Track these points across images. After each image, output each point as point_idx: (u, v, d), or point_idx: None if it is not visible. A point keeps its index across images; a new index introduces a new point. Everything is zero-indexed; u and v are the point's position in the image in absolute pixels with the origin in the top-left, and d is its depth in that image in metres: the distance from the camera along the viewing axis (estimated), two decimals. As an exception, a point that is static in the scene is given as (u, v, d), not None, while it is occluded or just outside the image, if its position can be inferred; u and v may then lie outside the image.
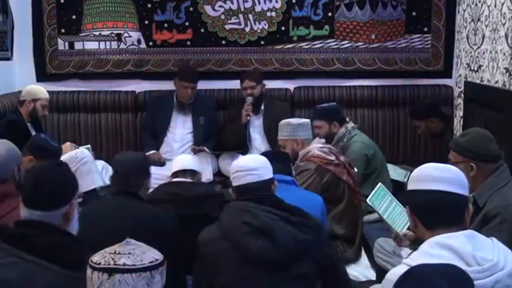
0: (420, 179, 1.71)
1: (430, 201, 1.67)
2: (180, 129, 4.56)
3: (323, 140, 3.40)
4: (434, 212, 1.67)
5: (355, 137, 3.78)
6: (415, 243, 2.28)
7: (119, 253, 1.41)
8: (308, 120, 3.44)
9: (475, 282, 1.48)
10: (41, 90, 4.10)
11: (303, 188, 3.08)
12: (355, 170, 3.34)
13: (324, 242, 2.11)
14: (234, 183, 2.18)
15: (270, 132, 4.41)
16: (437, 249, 1.59)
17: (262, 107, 4.55)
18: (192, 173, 3.02)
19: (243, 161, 2.20)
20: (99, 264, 1.40)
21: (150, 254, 1.44)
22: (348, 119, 3.87)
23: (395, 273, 1.61)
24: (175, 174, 3.01)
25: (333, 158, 3.19)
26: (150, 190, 3.15)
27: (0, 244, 1.69)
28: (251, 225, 1.97)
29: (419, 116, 4.19)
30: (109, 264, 1.39)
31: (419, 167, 1.76)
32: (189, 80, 4.46)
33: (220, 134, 4.67)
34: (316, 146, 3.24)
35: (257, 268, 1.96)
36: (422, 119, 4.15)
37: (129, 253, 1.41)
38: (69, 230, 1.83)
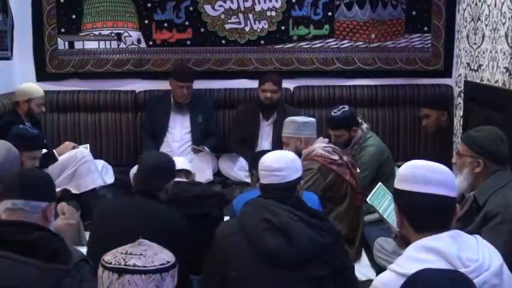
0: (411, 179, 1.67)
1: (422, 205, 1.65)
2: (179, 129, 4.55)
3: (327, 140, 3.38)
4: (425, 216, 1.65)
5: (370, 139, 3.72)
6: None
7: (130, 253, 1.41)
8: (314, 120, 3.40)
9: None
10: (34, 88, 4.04)
11: (305, 187, 3.07)
12: (358, 170, 3.33)
13: (340, 248, 2.11)
14: (260, 180, 2.19)
15: (279, 141, 4.37)
16: (423, 253, 1.58)
17: (275, 115, 4.49)
18: (186, 172, 3.03)
19: (269, 160, 2.17)
20: (110, 263, 1.39)
21: (162, 256, 1.43)
22: (360, 120, 3.81)
23: (381, 280, 1.61)
24: None
25: (336, 157, 3.18)
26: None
27: None
28: (270, 222, 1.98)
29: (435, 105, 4.11)
30: (119, 264, 1.38)
31: (409, 165, 1.72)
32: (184, 80, 4.44)
33: (227, 139, 4.66)
34: (320, 146, 3.23)
35: (270, 266, 1.97)
36: (436, 109, 4.08)
37: (141, 254, 1.41)
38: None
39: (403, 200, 1.70)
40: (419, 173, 1.67)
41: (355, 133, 3.71)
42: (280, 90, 4.49)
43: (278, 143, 4.35)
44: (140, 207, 2.46)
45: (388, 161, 3.79)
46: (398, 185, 1.72)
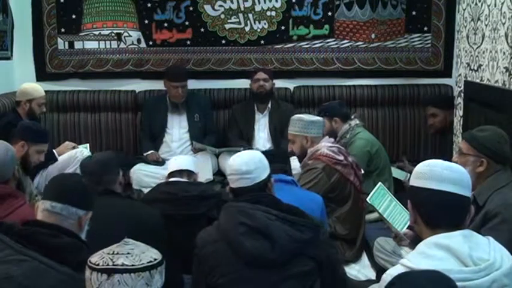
0: (428, 176, 1.68)
1: (437, 202, 1.66)
2: (177, 129, 4.56)
3: (332, 139, 3.38)
4: (438, 213, 1.66)
5: (359, 134, 3.78)
6: (415, 243, 2.29)
7: (117, 253, 1.41)
8: (321, 119, 3.38)
9: (472, 282, 1.49)
10: (35, 88, 4.06)
11: (309, 186, 3.07)
12: (362, 171, 3.33)
13: (323, 241, 2.09)
14: (230, 184, 2.17)
15: (275, 132, 4.43)
16: (435, 250, 1.59)
17: (269, 105, 4.56)
18: (189, 173, 3.01)
19: (236, 163, 2.13)
20: (98, 264, 1.39)
21: (149, 254, 1.44)
22: (352, 117, 3.86)
23: (391, 273, 1.61)
24: (172, 174, 2.99)
25: (341, 158, 3.17)
26: (148, 189, 3.15)
27: (9, 241, 1.70)
28: (248, 225, 1.96)
29: (444, 105, 4.08)
30: (108, 264, 1.39)
31: (426, 163, 1.73)
32: (177, 80, 4.46)
33: (225, 135, 4.67)
34: (326, 145, 3.21)
35: (255, 268, 1.95)
36: (445, 109, 4.06)
37: (128, 253, 1.41)
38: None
39: (419, 196, 1.71)
40: (436, 171, 1.68)
41: (336, 124, 3.79)
42: (272, 81, 4.54)
43: (274, 134, 4.42)
44: (105, 207, 2.38)
45: (378, 154, 3.81)
46: (414, 182, 1.73)
